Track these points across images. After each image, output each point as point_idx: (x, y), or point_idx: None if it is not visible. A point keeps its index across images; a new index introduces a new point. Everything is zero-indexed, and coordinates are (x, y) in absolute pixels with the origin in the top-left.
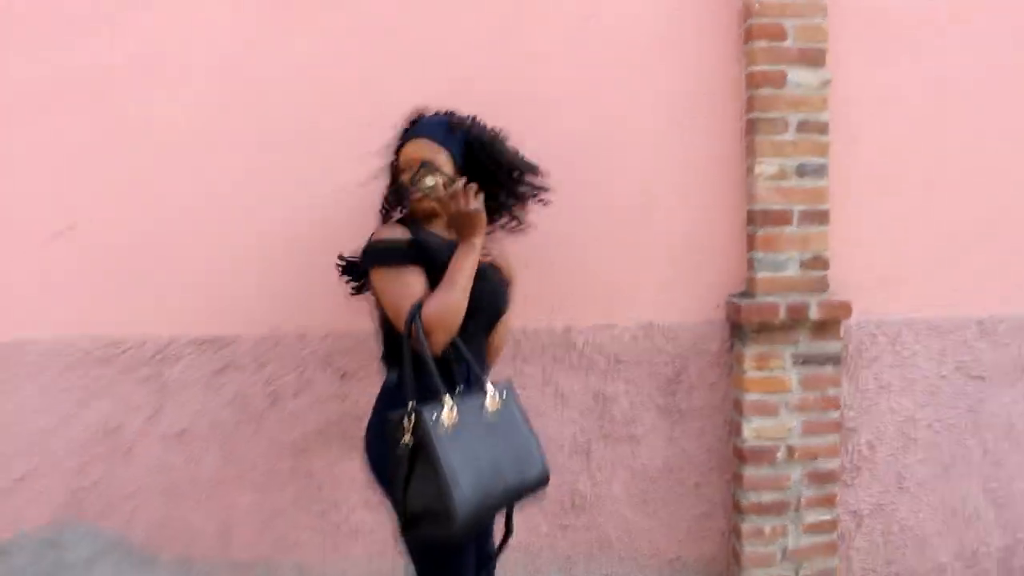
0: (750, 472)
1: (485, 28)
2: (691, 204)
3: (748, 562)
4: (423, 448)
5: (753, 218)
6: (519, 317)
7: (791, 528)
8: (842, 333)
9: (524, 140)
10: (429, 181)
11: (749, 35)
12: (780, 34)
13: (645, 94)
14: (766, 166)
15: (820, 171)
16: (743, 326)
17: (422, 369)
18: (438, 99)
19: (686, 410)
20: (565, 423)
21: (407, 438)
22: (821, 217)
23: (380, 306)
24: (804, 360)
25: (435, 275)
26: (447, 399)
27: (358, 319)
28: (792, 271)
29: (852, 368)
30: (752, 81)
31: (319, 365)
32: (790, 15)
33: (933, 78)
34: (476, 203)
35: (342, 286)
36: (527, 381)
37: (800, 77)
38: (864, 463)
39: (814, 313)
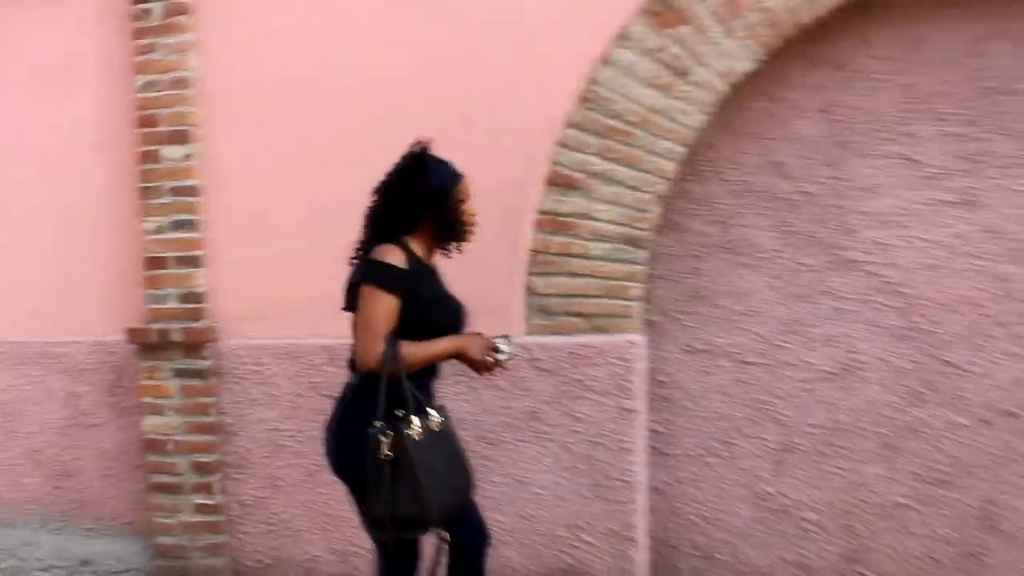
0: (152, 458)
1: None
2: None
3: (159, 529)
4: (402, 461)
5: (143, 263)
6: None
7: (185, 506)
8: (212, 353)
9: None
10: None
11: (136, 124)
12: (155, 121)
13: (87, 184)
14: (147, 223)
15: (192, 225)
16: (136, 345)
17: (391, 389)
18: None
19: (127, 407)
20: (55, 412)
21: (386, 452)
22: (195, 261)
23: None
24: (181, 373)
25: (412, 303)
26: (414, 419)
27: None
28: (172, 303)
29: (229, 382)
30: (140, 159)
31: None
32: (164, 105)
33: (292, 144)
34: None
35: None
36: (28, 381)
37: (171, 153)
38: (245, 463)
39: (179, 337)
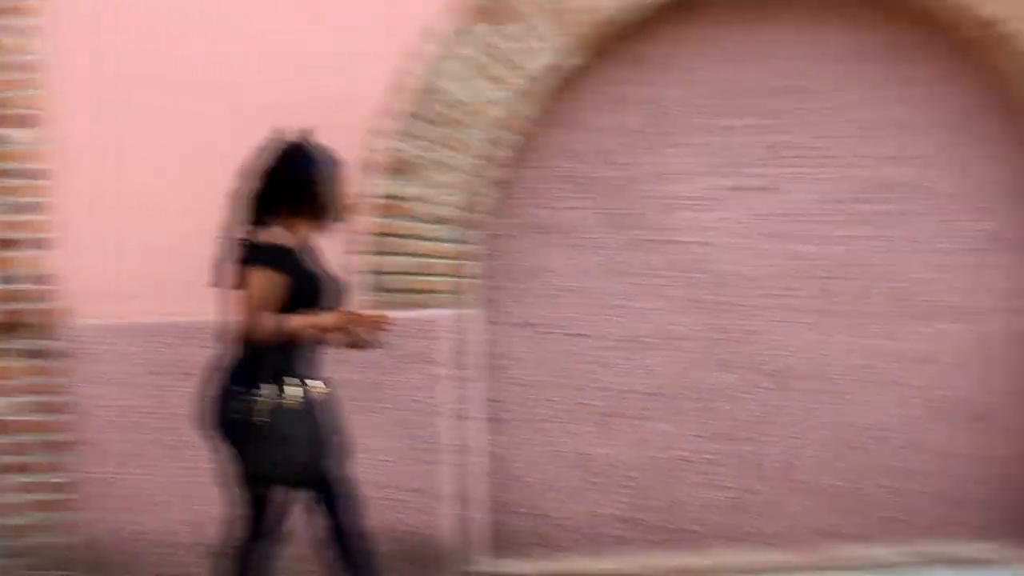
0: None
1: None
2: None
3: (8, 510)
4: (281, 424)
5: None
6: None
7: (36, 486)
8: (62, 334)
9: None
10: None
11: None
12: None
13: None
14: None
15: (38, 208)
16: None
17: (274, 360)
18: None
19: None
20: None
21: (264, 415)
22: (42, 243)
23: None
24: (28, 354)
25: (295, 280)
26: (294, 387)
27: None
28: (20, 285)
29: (79, 362)
30: None
31: None
32: (7, 89)
33: (140, 130)
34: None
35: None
36: None
37: (16, 135)
38: (98, 440)
39: (26, 318)
